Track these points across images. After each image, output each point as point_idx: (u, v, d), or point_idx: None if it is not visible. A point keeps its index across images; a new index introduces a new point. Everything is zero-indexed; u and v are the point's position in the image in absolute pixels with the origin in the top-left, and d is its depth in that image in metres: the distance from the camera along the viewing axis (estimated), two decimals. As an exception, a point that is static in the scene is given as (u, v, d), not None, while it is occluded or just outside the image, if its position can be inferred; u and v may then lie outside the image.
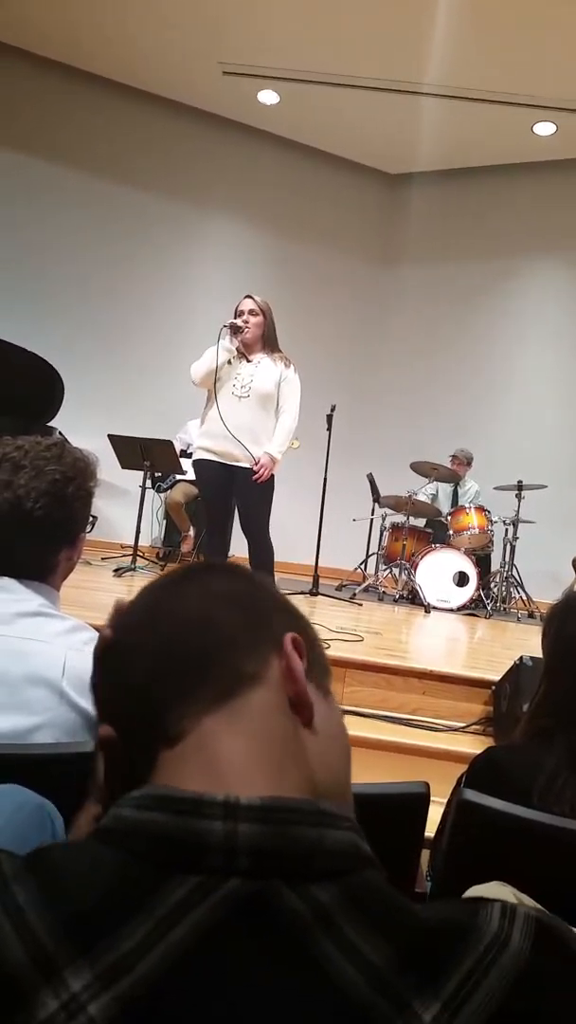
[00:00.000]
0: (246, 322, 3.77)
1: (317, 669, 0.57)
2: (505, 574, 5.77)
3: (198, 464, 3.87)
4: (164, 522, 6.59)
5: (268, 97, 6.51)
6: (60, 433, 5.25)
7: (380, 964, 0.40)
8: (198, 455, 3.85)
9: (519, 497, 5.81)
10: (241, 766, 0.48)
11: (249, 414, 3.72)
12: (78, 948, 0.40)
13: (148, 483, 5.26)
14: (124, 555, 5.34)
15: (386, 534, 5.86)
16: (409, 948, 0.42)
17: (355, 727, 2.61)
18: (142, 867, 0.42)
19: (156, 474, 5.66)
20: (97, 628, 1.34)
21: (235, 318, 3.79)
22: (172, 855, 0.43)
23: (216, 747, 0.49)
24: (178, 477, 5.81)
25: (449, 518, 5.81)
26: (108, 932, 0.40)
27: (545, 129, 6.40)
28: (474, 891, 1.08)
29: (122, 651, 0.56)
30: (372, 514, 6.22)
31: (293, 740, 0.52)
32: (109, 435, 5.09)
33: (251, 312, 3.80)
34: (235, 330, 3.73)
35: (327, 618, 3.94)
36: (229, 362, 3.76)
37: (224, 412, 3.69)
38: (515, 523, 5.76)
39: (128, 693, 0.53)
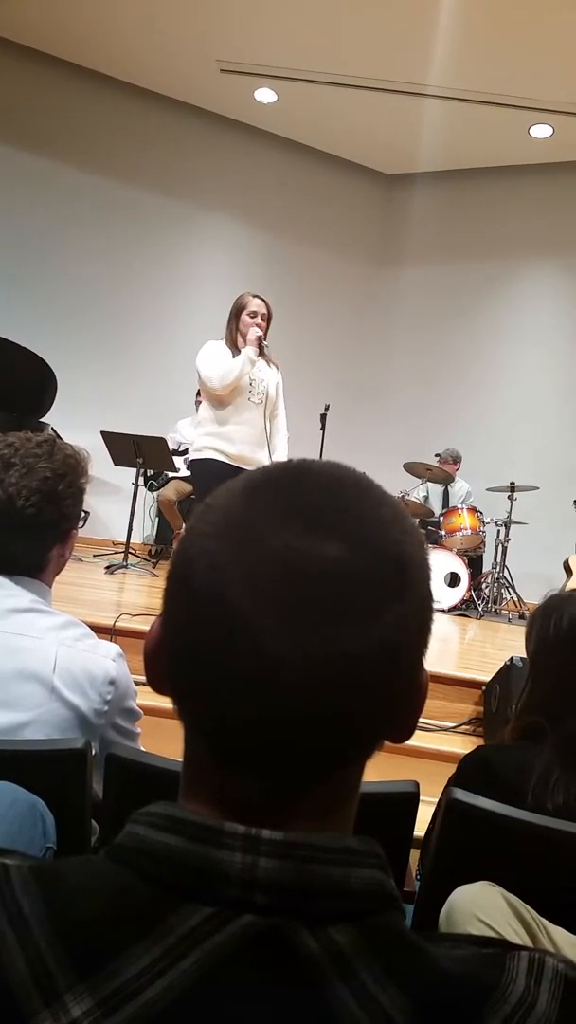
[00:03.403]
0: (263, 329, 3.80)
1: None
2: (496, 575, 5.77)
3: (204, 463, 3.77)
4: (156, 519, 6.58)
5: (265, 96, 6.49)
6: (52, 429, 5.25)
7: (397, 1019, 0.38)
8: (207, 454, 3.75)
9: (511, 498, 5.81)
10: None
11: (261, 420, 3.80)
12: (80, 970, 0.39)
13: (141, 480, 5.25)
14: (116, 552, 5.33)
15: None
16: (429, 1005, 0.39)
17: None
18: (152, 891, 0.41)
19: (148, 472, 5.65)
20: (90, 624, 1.34)
21: (244, 313, 3.78)
22: (185, 882, 0.40)
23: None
24: (171, 475, 5.80)
25: (441, 518, 5.82)
26: (112, 955, 0.39)
27: (541, 132, 6.41)
28: (462, 892, 1.09)
29: None
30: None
31: (361, 777, 0.47)
32: (102, 432, 5.07)
33: (263, 317, 3.81)
34: (260, 347, 3.77)
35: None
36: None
37: (245, 420, 3.75)
38: (507, 524, 5.76)
39: None
